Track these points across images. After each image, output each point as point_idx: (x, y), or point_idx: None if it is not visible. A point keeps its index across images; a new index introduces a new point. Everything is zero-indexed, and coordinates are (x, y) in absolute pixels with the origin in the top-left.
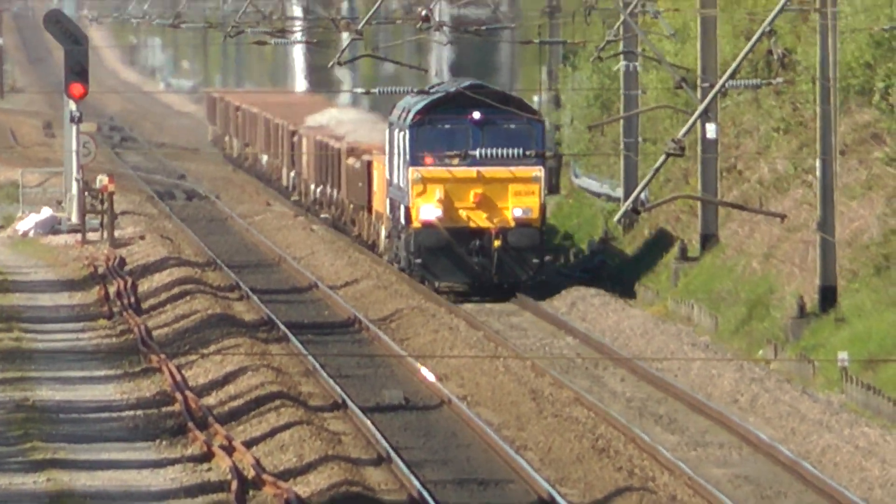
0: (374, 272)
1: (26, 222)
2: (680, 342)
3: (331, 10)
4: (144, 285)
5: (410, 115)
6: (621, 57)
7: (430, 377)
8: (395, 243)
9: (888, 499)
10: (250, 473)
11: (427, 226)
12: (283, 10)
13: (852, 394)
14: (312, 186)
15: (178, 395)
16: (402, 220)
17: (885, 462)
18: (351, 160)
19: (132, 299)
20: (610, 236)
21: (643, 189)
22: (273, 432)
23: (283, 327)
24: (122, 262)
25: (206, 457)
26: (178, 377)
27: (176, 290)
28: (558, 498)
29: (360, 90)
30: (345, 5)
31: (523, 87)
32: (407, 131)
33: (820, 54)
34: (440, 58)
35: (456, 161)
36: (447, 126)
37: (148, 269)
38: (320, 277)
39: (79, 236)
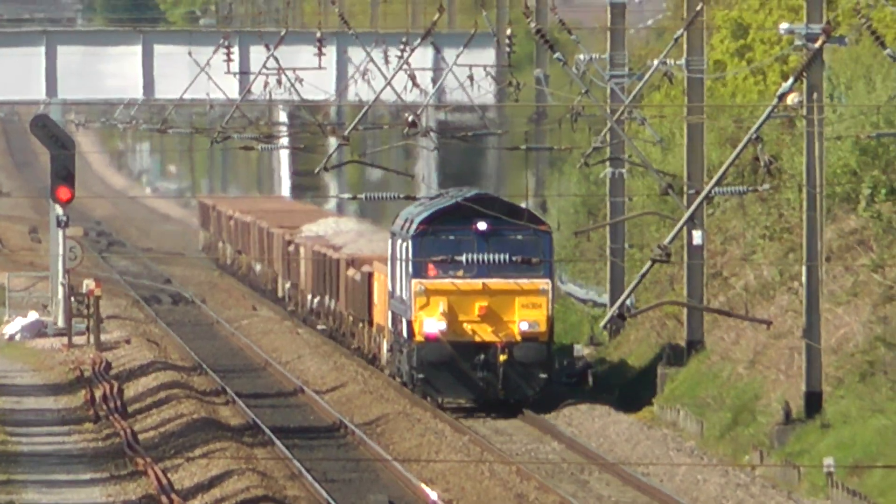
0: (360, 377)
1: (12, 326)
2: (665, 447)
3: (318, 115)
4: (130, 389)
5: (413, 226)
6: (608, 163)
7: (433, 496)
8: (397, 357)
9: None
10: None
11: (430, 340)
12: (270, 115)
13: (838, 500)
14: (309, 297)
15: (164, 499)
16: (405, 334)
17: None
18: (351, 271)
19: (118, 403)
20: (596, 342)
21: (629, 295)
22: None
23: (268, 431)
24: (108, 365)
25: None
26: (164, 480)
27: (162, 394)
28: None
29: (346, 196)
30: (332, 111)
31: (510, 193)
32: (410, 241)
33: (806, 161)
34: (427, 163)
35: (461, 273)
36: (451, 237)
37: (134, 373)
38: (306, 382)
39: (65, 340)
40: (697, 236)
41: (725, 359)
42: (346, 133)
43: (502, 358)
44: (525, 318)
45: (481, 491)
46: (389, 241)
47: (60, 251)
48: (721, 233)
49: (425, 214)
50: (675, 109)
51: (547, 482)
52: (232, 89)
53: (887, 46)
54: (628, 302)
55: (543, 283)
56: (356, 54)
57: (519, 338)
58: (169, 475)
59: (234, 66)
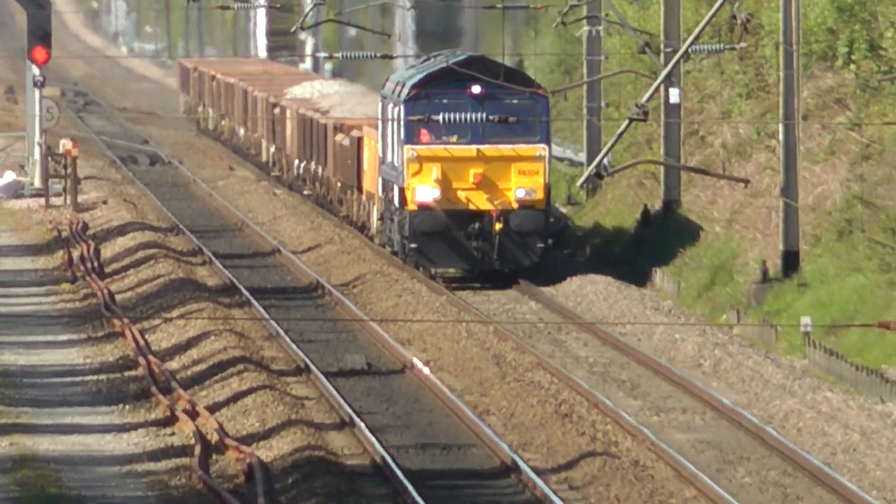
0: (336, 237)
1: None
2: (643, 307)
3: None
4: (107, 250)
5: (405, 89)
6: (584, 22)
7: (424, 369)
8: (388, 226)
9: (850, 463)
10: (213, 438)
11: (423, 208)
12: None
13: (815, 359)
14: (296, 162)
15: (141, 360)
16: (396, 202)
17: (846, 427)
18: (339, 136)
19: (95, 264)
20: (573, 201)
21: (606, 154)
22: (236, 397)
23: (245, 292)
24: (86, 226)
25: (169, 421)
26: (141, 342)
27: (139, 255)
28: (521, 463)
29: (323, 55)
30: None
31: (487, 52)
32: (402, 106)
33: (783, 19)
34: (404, 22)
35: (455, 138)
36: (445, 101)
37: (111, 234)
38: (283, 242)
39: (42, 200)
40: (674, 95)
41: (702, 218)
42: None
43: (498, 226)
44: (521, 185)
45: (458, 351)
46: (380, 105)
47: (37, 111)
48: (698, 91)
49: (418, 77)
50: None
51: (524, 342)
52: None
53: None
54: (605, 161)
55: (540, 149)
56: None
57: (515, 205)
58: (146, 336)
59: None
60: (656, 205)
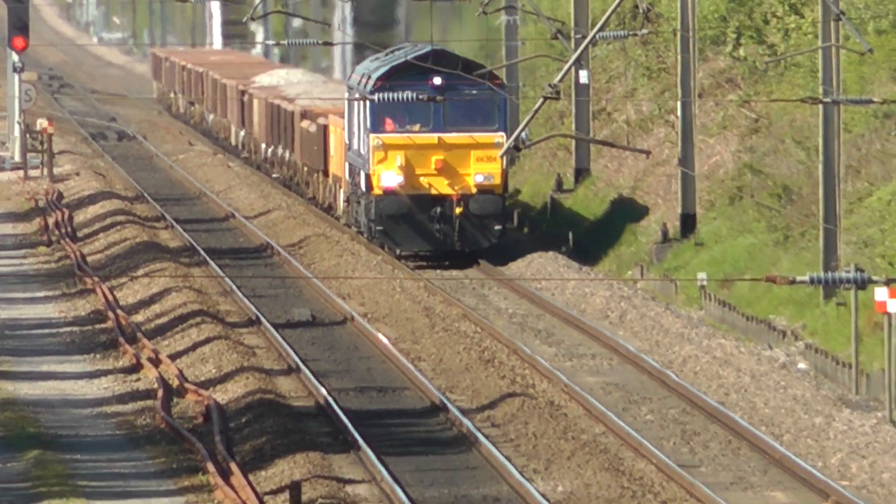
0: (284, 203)
1: None
2: (557, 265)
3: None
4: (80, 216)
5: (371, 81)
6: (503, 11)
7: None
8: (355, 208)
9: (742, 402)
10: (175, 383)
11: (388, 193)
12: None
13: (710, 310)
14: (263, 146)
15: (110, 314)
16: (363, 187)
17: (739, 370)
18: (305, 123)
19: (69, 229)
20: None
21: (523, 129)
22: (195, 346)
23: (203, 253)
24: (60, 195)
25: (135, 368)
26: (110, 297)
27: (108, 221)
28: (449, 404)
29: (271, 42)
30: None
31: (416, 39)
32: (368, 97)
33: (680, 8)
34: (342, 12)
35: (417, 127)
36: (408, 92)
37: (83, 202)
38: (236, 209)
39: (21, 173)
40: (584, 76)
41: (609, 185)
42: None
43: (458, 210)
44: (480, 171)
45: (393, 304)
46: (346, 95)
47: (17, 93)
48: (605, 73)
49: (383, 70)
50: None
51: (451, 296)
52: None
53: None
54: (523, 135)
55: (498, 137)
56: None
57: (474, 190)
58: (114, 292)
59: None
60: (568, 174)
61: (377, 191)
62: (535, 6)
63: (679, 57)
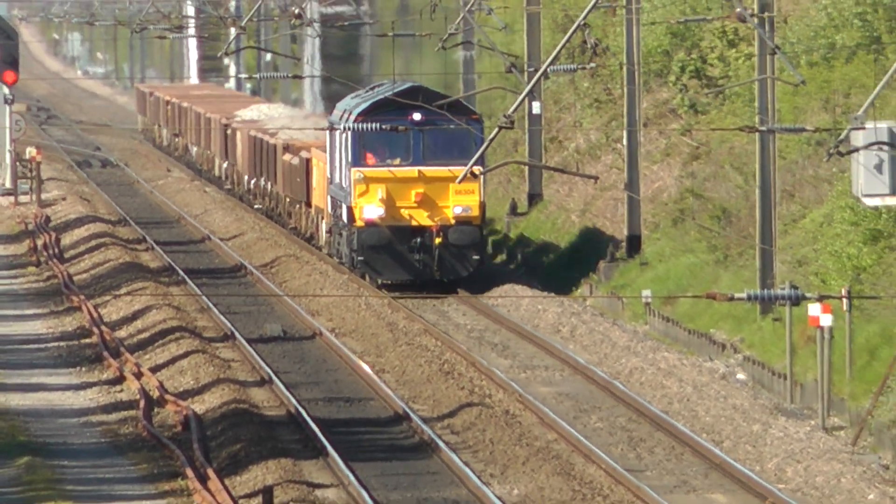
0: (257, 226)
1: None
2: (512, 283)
3: (219, 9)
4: (66, 238)
5: (352, 116)
6: (461, 47)
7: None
8: (337, 239)
9: (684, 411)
10: (155, 394)
11: (369, 224)
12: (180, 9)
13: (654, 324)
14: (246, 178)
15: (95, 330)
16: (345, 219)
17: (681, 381)
18: (287, 156)
19: (56, 250)
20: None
21: (479, 155)
22: (174, 359)
23: (181, 272)
24: (48, 219)
25: (119, 380)
26: (95, 314)
27: (93, 243)
28: (411, 413)
29: (244, 76)
30: (232, 4)
31: (382, 73)
32: (349, 132)
33: (626, 43)
34: (312, 48)
35: (398, 161)
36: (388, 127)
37: (69, 225)
38: (213, 231)
39: (12, 198)
40: (536, 107)
41: (560, 208)
42: (243, 24)
43: (437, 241)
44: (459, 203)
45: (359, 320)
46: (328, 131)
47: (7, 124)
48: (556, 104)
49: (363, 106)
50: (516, 1)
51: (413, 313)
52: None
53: None
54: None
55: (475, 170)
56: None
57: (453, 221)
58: (99, 310)
59: None
60: (522, 198)
61: (359, 222)
62: (490, 42)
63: (625, 89)
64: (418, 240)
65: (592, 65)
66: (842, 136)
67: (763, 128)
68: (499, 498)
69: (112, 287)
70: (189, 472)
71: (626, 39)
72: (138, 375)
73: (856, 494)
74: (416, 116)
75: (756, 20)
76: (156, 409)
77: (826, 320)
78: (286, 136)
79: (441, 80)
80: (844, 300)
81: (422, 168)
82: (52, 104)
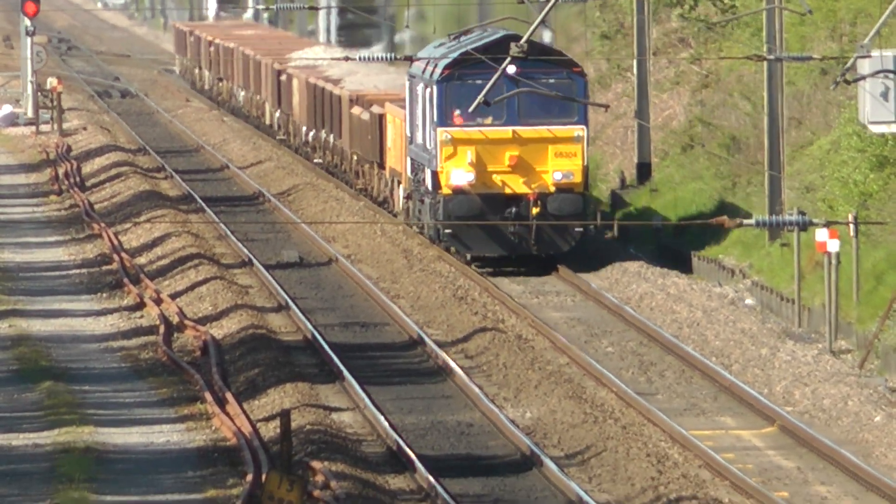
0: (274, 155)
1: None
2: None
3: None
4: (87, 167)
5: (438, 69)
6: None
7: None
8: (418, 207)
9: (694, 336)
10: (175, 320)
11: (457, 192)
12: None
13: (663, 246)
14: (304, 129)
15: (116, 257)
16: (429, 185)
17: (691, 306)
18: (357, 110)
19: (77, 179)
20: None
21: (492, 85)
22: (193, 286)
23: (200, 200)
24: (69, 148)
25: (139, 307)
26: (116, 242)
27: (113, 172)
28: (426, 338)
29: (261, 6)
30: None
31: (397, 4)
32: (434, 87)
33: None
34: None
35: (489, 120)
36: (479, 82)
37: (90, 154)
38: (231, 160)
39: (34, 128)
40: (547, 36)
41: None
42: None
43: (535, 211)
44: (559, 168)
45: (374, 247)
46: (407, 84)
47: (29, 55)
48: (566, 34)
49: (451, 57)
50: None
51: (427, 240)
52: None
53: None
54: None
55: (578, 130)
56: None
57: (552, 189)
58: (119, 237)
59: None
60: None
61: (445, 190)
62: None
63: (635, 18)
64: (513, 209)
65: None
66: (848, 65)
67: (771, 56)
68: (511, 421)
69: (132, 215)
70: (208, 396)
71: None
72: (158, 301)
73: (862, 417)
74: (511, 69)
75: None
76: (175, 335)
77: (833, 246)
78: (354, 85)
79: (455, 11)
80: (851, 226)
81: (517, 128)
82: (73, 35)
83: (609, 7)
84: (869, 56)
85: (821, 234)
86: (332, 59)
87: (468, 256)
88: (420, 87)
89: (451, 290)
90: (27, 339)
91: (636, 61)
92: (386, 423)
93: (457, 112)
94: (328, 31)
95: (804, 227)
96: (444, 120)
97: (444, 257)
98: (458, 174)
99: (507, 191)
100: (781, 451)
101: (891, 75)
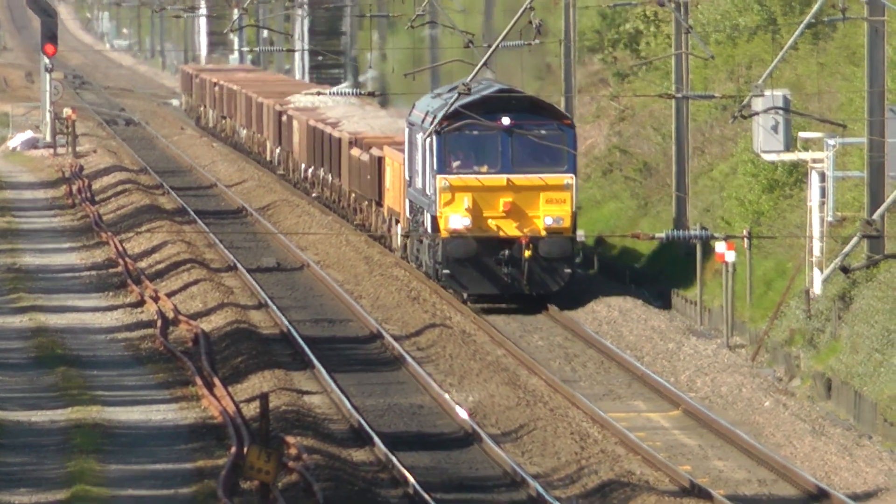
0: (256, 175)
1: (14, 141)
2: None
3: None
4: (97, 184)
5: (437, 120)
6: (427, 26)
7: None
8: (416, 247)
9: (611, 332)
10: (170, 315)
11: (455, 235)
12: None
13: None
14: (303, 166)
15: (121, 261)
16: (428, 227)
17: (609, 306)
18: (355, 151)
19: (88, 194)
20: None
21: (444, 114)
22: (186, 286)
23: (192, 213)
24: (81, 168)
25: (140, 304)
26: (121, 248)
27: (119, 188)
28: (384, 332)
29: (246, 49)
30: None
31: (361, 48)
32: (434, 137)
33: (564, 23)
34: (301, 26)
35: (485, 168)
36: (476, 133)
37: (99, 173)
38: (219, 179)
39: (51, 150)
40: (490, 76)
41: None
42: (244, 5)
43: (527, 253)
44: (549, 213)
45: (341, 255)
46: (406, 131)
47: (47, 88)
48: (506, 75)
49: (449, 109)
50: None
51: (385, 249)
52: None
53: None
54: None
55: (568, 178)
56: None
57: (543, 233)
58: (124, 244)
59: None
60: None
61: (444, 233)
62: (452, 22)
63: (563, 61)
64: (506, 252)
65: (537, 41)
66: (744, 102)
67: (678, 95)
68: (457, 403)
69: (134, 225)
70: (198, 380)
71: (564, 20)
72: (156, 299)
73: (754, 402)
74: (505, 121)
75: (673, 4)
76: (171, 328)
77: (730, 256)
78: (351, 128)
79: (411, 55)
80: (745, 239)
81: (511, 176)
82: (85, 72)
83: (540, 51)
84: (762, 95)
85: (720, 247)
86: (317, 93)
87: (465, 295)
88: (419, 136)
89: (405, 291)
90: (45, 330)
91: (564, 98)
92: (349, 405)
93: (454, 161)
94: (302, 70)
95: (706, 240)
96: (443, 168)
97: (400, 264)
98: (456, 219)
99: (502, 234)
100: (685, 430)
101: (780, 111)
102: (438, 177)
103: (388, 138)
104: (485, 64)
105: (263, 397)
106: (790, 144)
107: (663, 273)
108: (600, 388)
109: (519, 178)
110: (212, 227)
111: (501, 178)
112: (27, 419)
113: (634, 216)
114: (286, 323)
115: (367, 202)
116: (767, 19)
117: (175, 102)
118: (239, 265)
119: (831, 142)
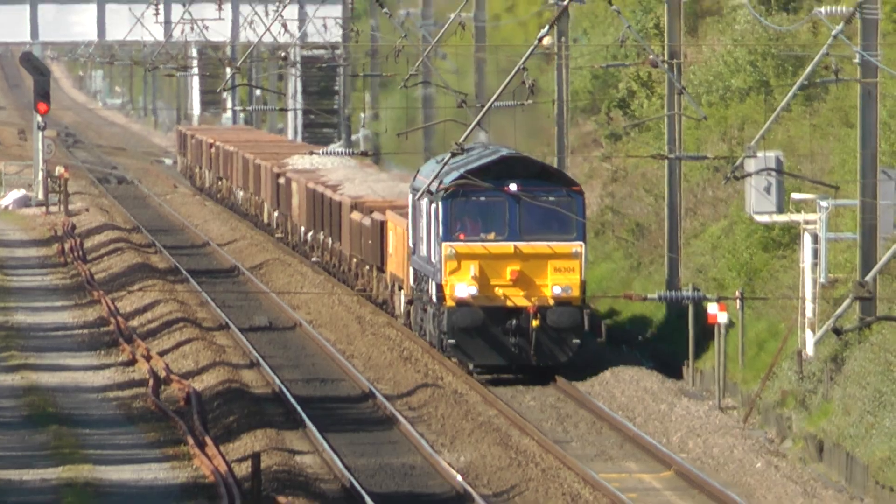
0: (248, 235)
1: (6, 199)
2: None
3: (218, 51)
4: (89, 243)
5: (443, 187)
6: (421, 85)
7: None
8: (421, 315)
9: (603, 393)
10: (162, 374)
11: (461, 304)
12: (186, 51)
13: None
14: (303, 229)
15: (112, 319)
16: (433, 296)
17: (601, 368)
18: (356, 215)
19: (80, 253)
20: None
21: (436, 177)
22: (178, 345)
23: (185, 272)
24: (73, 227)
25: (132, 362)
26: (112, 307)
27: (111, 247)
28: (376, 392)
29: (238, 108)
30: (228, 49)
31: (354, 107)
32: (440, 203)
33: (557, 84)
34: (294, 85)
35: (492, 235)
36: (483, 199)
37: (91, 232)
38: (211, 238)
39: (43, 209)
40: (483, 136)
41: None
42: (238, 64)
43: (535, 323)
44: (558, 283)
45: (333, 314)
46: (410, 197)
47: (40, 146)
48: (499, 134)
49: (455, 175)
50: (466, 48)
51: (377, 309)
52: (159, 33)
53: (613, 3)
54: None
55: (577, 246)
56: (245, 9)
57: (552, 302)
58: (115, 303)
59: (161, 17)
60: None
61: (449, 302)
62: (444, 81)
63: (556, 122)
64: (514, 321)
65: (529, 102)
66: (737, 164)
67: (671, 155)
68: (449, 464)
69: (126, 284)
70: (190, 439)
71: (557, 81)
72: (148, 358)
73: (745, 463)
74: (513, 187)
75: (666, 65)
76: (162, 387)
77: (722, 317)
78: (352, 191)
79: (404, 114)
80: (738, 300)
81: (518, 244)
82: (77, 130)
83: (534, 112)
84: (755, 156)
85: (712, 308)
86: (310, 153)
87: (470, 366)
88: (424, 202)
89: (397, 351)
90: (36, 388)
91: (556, 158)
92: (341, 465)
93: (460, 228)
94: (295, 129)
95: (698, 301)
96: (449, 235)
97: (392, 324)
98: (462, 287)
99: (509, 303)
100: (677, 491)
101: (773, 173)
102: (444, 244)
103: (390, 202)
104: (478, 124)
105: (255, 457)
106: (783, 206)
107: (656, 335)
108: (592, 448)
109: (526, 246)
110: (204, 286)
111: (509, 246)
112: (18, 478)
113: (626, 277)
114: (278, 382)
115: (368, 267)
116: (760, 81)
117: (168, 161)
118: (231, 324)
119: (824, 203)
